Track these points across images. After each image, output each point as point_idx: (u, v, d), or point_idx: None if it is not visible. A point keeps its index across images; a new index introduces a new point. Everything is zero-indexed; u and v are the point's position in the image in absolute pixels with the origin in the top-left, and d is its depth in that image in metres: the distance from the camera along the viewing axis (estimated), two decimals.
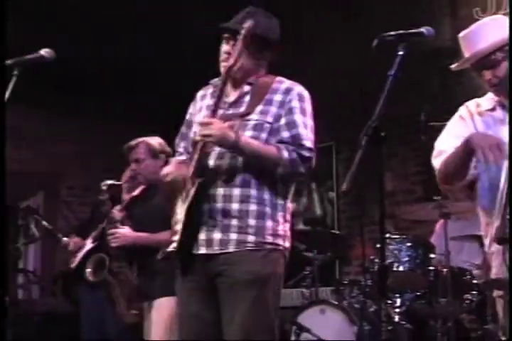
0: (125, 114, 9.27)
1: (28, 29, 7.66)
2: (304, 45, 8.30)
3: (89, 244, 5.71)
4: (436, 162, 3.83)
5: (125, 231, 5.13)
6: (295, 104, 3.79)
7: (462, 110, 3.90)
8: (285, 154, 3.65)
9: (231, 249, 3.64)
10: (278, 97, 3.79)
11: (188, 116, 4.03)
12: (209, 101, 3.94)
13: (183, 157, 3.95)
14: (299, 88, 3.84)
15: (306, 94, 3.84)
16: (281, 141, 3.70)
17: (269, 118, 3.75)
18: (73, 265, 5.79)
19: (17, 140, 9.14)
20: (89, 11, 7.85)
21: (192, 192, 3.64)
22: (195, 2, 7.74)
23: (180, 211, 3.71)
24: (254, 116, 3.75)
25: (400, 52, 3.30)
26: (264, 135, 3.72)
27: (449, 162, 3.71)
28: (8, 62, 3.58)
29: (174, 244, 3.70)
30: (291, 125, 3.73)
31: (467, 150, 3.55)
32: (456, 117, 3.90)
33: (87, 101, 9.08)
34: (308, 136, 3.74)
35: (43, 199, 10.13)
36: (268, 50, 3.92)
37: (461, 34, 4.01)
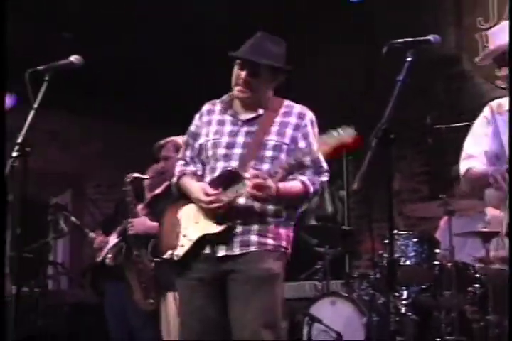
0: (147, 115, 9.25)
1: (28, 29, 7.61)
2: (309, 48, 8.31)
3: (114, 239, 5.71)
4: (463, 165, 3.89)
5: (141, 220, 5.20)
6: (309, 129, 3.88)
7: (486, 110, 3.97)
8: (311, 189, 3.78)
9: (252, 248, 3.67)
10: (293, 120, 3.88)
11: (193, 128, 4.03)
12: (219, 116, 3.95)
13: (192, 167, 3.97)
14: (310, 113, 3.94)
15: (314, 118, 3.93)
16: (302, 165, 3.76)
17: (286, 140, 3.83)
18: (99, 259, 5.78)
19: (47, 141, 9.16)
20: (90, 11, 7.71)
21: (216, 229, 3.70)
22: (195, 2, 7.67)
23: (187, 225, 3.79)
24: (273, 137, 3.81)
25: (408, 59, 3.30)
26: (282, 155, 3.80)
27: (473, 181, 3.81)
28: (40, 67, 3.58)
29: (178, 254, 3.75)
30: (310, 150, 3.79)
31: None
32: (480, 117, 3.97)
33: (110, 103, 9.05)
34: (322, 159, 3.84)
35: (71, 197, 10.17)
36: (278, 77, 3.93)
37: (490, 30, 4.06)
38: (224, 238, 3.67)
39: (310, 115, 3.92)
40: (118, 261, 5.47)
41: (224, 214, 3.68)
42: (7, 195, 3.84)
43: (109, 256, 5.54)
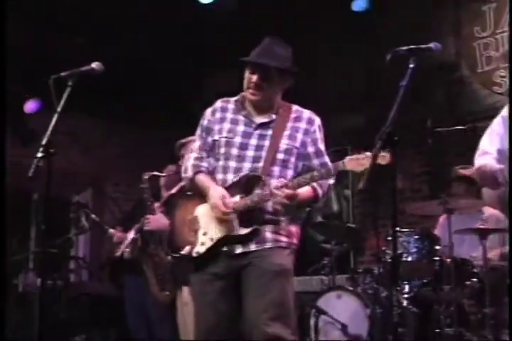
0: (165, 116, 9.24)
1: (28, 29, 7.58)
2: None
3: (131, 235, 5.72)
4: (478, 162, 3.91)
5: (157, 217, 5.22)
6: (318, 135, 3.91)
7: (504, 110, 3.96)
8: (320, 193, 3.81)
9: (267, 245, 3.68)
10: (303, 125, 3.88)
11: (206, 122, 3.99)
12: (233, 115, 3.93)
13: (205, 163, 3.93)
14: (317, 119, 3.95)
15: (321, 123, 3.95)
16: (311, 168, 3.78)
17: (297, 144, 3.84)
18: (118, 254, 5.79)
19: (69, 143, 9.16)
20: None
21: (239, 232, 3.69)
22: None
23: (208, 225, 3.77)
24: (285, 141, 3.82)
25: (411, 65, 3.29)
26: (293, 159, 3.83)
27: (484, 177, 3.84)
28: (63, 74, 3.59)
29: (198, 251, 3.74)
30: (319, 154, 3.87)
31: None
32: (498, 116, 3.98)
33: (128, 106, 9.03)
34: (329, 163, 3.82)
35: (92, 196, 10.18)
36: (287, 79, 3.92)
37: None
38: (247, 239, 3.68)
39: (318, 121, 3.93)
40: (135, 255, 5.49)
41: (250, 216, 3.68)
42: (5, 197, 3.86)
43: (127, 250, 5.56)
